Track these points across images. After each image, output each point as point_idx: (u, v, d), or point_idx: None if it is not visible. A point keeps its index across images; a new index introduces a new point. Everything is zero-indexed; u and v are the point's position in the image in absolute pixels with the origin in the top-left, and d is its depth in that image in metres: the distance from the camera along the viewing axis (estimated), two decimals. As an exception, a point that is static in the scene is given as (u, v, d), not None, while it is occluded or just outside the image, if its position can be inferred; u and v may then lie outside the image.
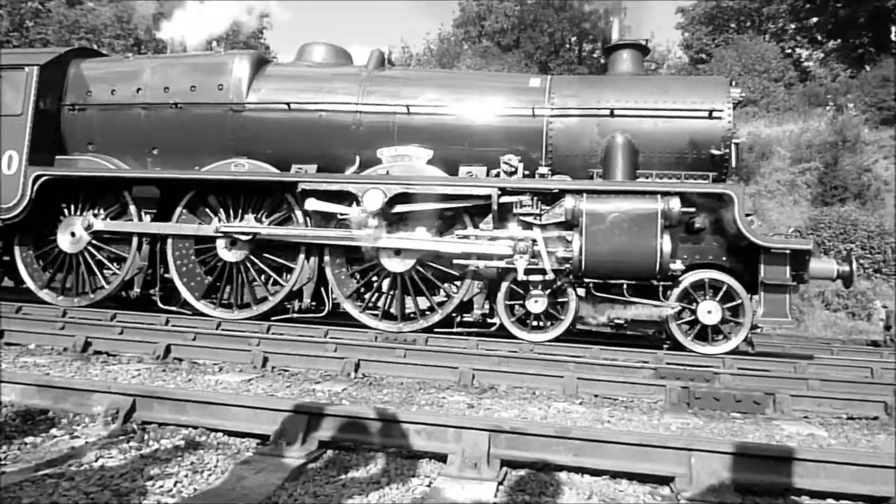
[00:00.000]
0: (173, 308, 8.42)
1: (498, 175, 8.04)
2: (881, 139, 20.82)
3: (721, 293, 7.32)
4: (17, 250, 9.07)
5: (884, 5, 28.28)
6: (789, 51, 32.52)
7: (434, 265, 7.89)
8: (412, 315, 7.95)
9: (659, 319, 7.58)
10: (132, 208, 8.76)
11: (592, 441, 2.80)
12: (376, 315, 7.96)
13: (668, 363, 6.05)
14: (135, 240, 8.68)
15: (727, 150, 8.10)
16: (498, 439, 2.81)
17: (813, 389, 4.96)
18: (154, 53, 12.49)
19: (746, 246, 7.27)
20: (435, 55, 36.29)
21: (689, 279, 7.37)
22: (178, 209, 8.60)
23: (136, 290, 8.70)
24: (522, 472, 2.80)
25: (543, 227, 7.57)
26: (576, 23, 34.23)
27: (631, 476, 2.77)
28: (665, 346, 7.80)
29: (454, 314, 7.87)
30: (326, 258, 8.09)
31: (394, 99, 8.54)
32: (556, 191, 7.63)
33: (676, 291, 7.38)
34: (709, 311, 7.31)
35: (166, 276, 8.71)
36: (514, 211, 7.72)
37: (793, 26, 33.67)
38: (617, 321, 8.06)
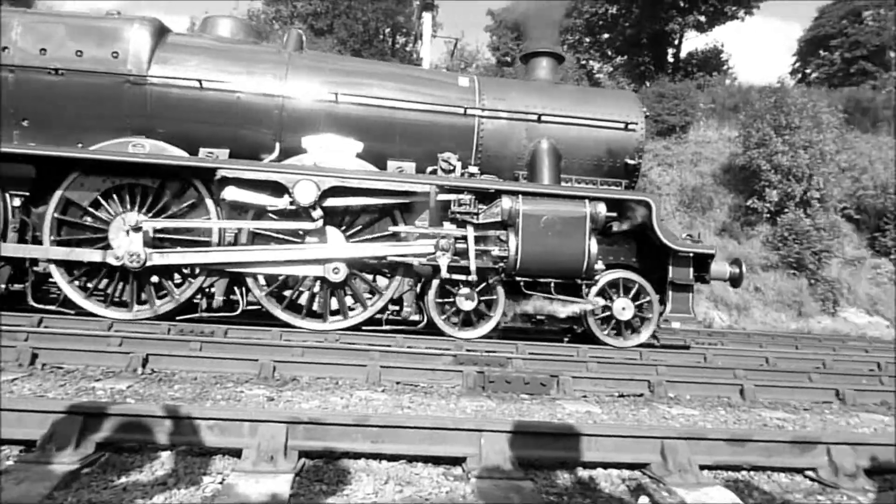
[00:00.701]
0: (51, 307, 7.16)
1: (434, 172, 7.99)
2: (656, 149, 23.45)
3: (633, 292, 7.88)
4: None
5: (662, 29, 31.86)
6: (584, 62, 35.44)
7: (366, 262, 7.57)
8: (336, 312, 7.54)
9: (575, 315, 7.84)
10: None
11: (390, 427, 2.85)
12: (299, 314, 7.43)
13: (467, 350, 6.34)
14: None
15: (640, 161, 8.79)
16: (296, 431, 2.77)
17: (591, 371, 5.49)
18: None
19: (657, 249, 7.89)
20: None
21: (605, 278, 7.85)
22: (59, 192, 7.28)
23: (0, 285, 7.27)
24: (321, 462, 2.78)
25: (478, 226, 7.60)
26: (390, 14, 34.49)
27: (427, 459, 2.87)
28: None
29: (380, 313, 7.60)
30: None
31: (321, 86, 8.08)
32: (493, 191, 7.68)
33: (594, 289, 7.83)
34: (623, 308, 7.83)
35: (35, 269, 7.30)
36: (452, 209, 7.62)
37: (587, 40, 36.73)
38: (539, 317, 8.09)
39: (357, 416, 3.05)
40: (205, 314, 7.36)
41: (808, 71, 33.64)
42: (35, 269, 7.30)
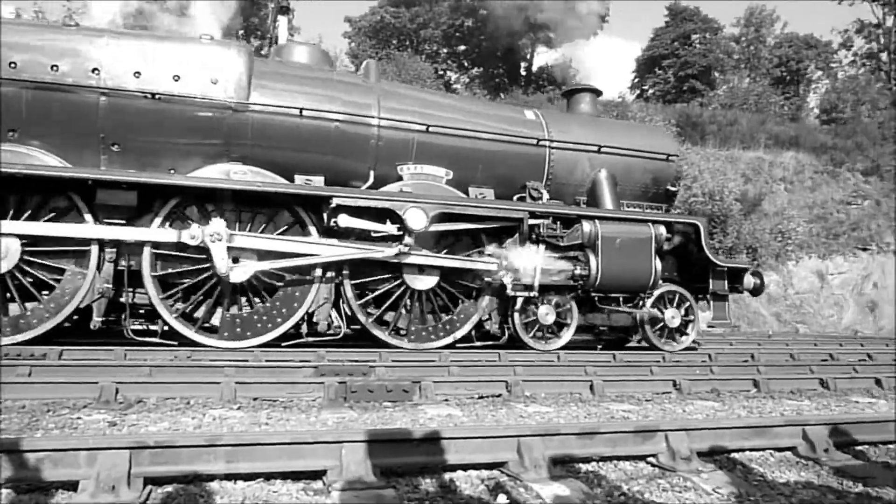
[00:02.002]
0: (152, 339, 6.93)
1: (523, 199, 8.80)
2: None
3: (675, 302, 8.95)
4: None
5: (516, 42, 33.26)
6: (441, 72, 36.18)
7: (457, 281, 8.22)
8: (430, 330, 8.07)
9: (629, 325, 8.97)
10: (88, 217, 6.86)
11: (245, 445, 2.74)
12: (400, 334, 7.89)
13: (329, 360, 6.23)
14: (95, 253, 6.81)
15: (678, 187, 10.10)
16: (141, 456, 2.58)
17: (453, 375, 5.59)
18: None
19: (694, 264, 9.18)
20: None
21: (657, 291, 8.85)
22: (158, 220, 7.08)
23: (97, 319, 6.86)
24: (170, 488, 2.61)
25: (563, 248, 8.47)
26: (246, 16, 33.40)
27: (286, 475, 2.78)
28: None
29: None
30: (346, 277, 7.66)
31: (413, 116, 8.47)
32: (574, 216, 8.54)
33: (650, 301, 8.80)
34: (672, 317, 8.87)
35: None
36: (540, 232, 8.36)
37: (445, 51, 37.54)
38: (601, 328, 9.21)
39: (209, 435, 2.90)
40: (309, 339, 7.47)
41: (645, 87, 36.49)
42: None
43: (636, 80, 37.38)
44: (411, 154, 8.52)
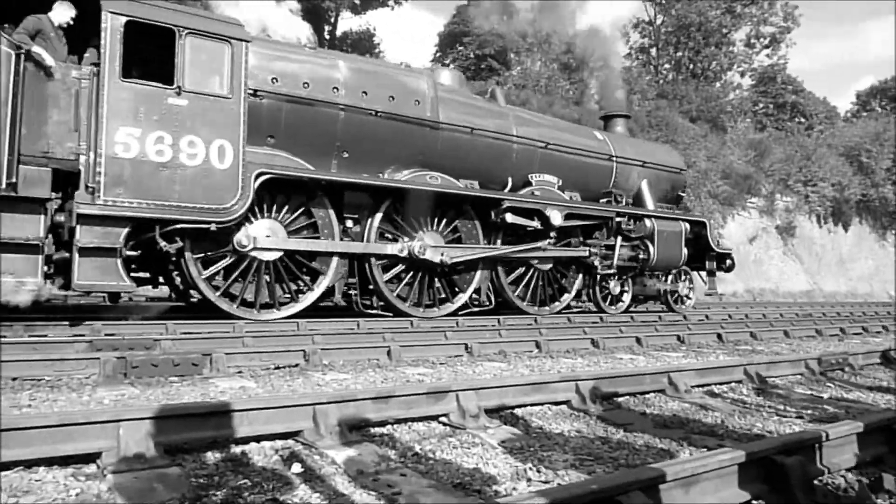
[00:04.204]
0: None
1: (609, 203, 11.95)
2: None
3: (680, 276, 12.97)
4: (189, 259, 7.41)
5: (319, 5, 32.26)
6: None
7: (562, 265, 11.31)
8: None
9: (657, 293, 12.66)
10: (331, 212, 8.52)
11: (-1, 431, 2.41)
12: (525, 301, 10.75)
13: (106, 335, 5.69)
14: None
15: (685, 194, 14.51)
16: None
17: (247, 346, 5.38)
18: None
19: (699, 249, 12.94)
20: None
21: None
22: (379, 214, 8.92)
23: (338, 296, 8.70)
24: None
25: (632, 238, 11.82)
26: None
27: (52, 461, 2.50)
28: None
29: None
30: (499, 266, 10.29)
31: (536, 136, 11.00)
32: (641, 215, 11.98)
33: (671, 277, 12.76)
34: (683, 288, 13.03)
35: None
36: (621, 227, 11.63)
37: (242, 6, 35.41)
38: (641, 295, 12.62)
39: (-49, 423, 2.50)
40: (475, 309, 10.07)
41: (446, 62, 37.46)
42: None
43: (438, 54, 38.25)
44: (536, 165, 11.00)
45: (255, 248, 7.83)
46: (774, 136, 35.00)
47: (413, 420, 3.35)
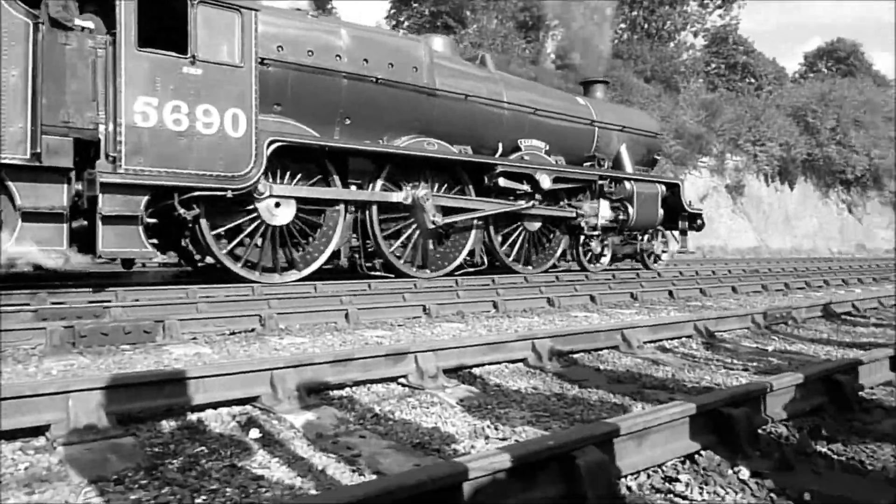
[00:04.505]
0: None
1: (592, 167, 12.56)
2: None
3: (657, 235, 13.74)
4: (204, 225, 7.64)
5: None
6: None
7: (550, 225, 11.93)
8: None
9: (632, 252, 13.58)
10: (336, 178, 8.78)
11: (-60, 405, 2.32)
12: (521, 263, 11.44)
13: (53, 303, 5.53)
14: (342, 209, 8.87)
15: (659, 157, 14.92)
16: None
17: (202, 312, 5.30)
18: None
19: (672, 209, 13.41)
20: None
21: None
22: (380, 181, 9.27)
23: (344, 259, 9.06)
24: None
25: (613, 200, 12.29)
26: None
27: (-2, 435, 2.43)
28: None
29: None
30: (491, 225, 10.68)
31: (525, 102, 11.29)
32: (622, 178, 12.49)
33: (646, 237, 13.48)
34: (658, 246, 13.83)
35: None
36: (603, 190, 12.17)
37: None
38: (620, 254, 13.40)
39: None
40: (470, 270, 10.45)
41: (402, 19, 36.73)
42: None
43: (392, 10, 37.45)
44: (525, 130, 11.32)
45: (270, 196, 8.18)
46: (725, 96, 35.55)
47: (372, 382, 3.36)
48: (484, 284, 9.06)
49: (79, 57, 6.79)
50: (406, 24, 35.66)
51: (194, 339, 4.65)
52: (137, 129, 6.90)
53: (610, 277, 11.31)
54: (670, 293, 8.52)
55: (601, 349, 4.42)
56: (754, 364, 4.18)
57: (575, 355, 4.22)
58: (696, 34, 42.21)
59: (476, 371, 3.75)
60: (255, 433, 2.62)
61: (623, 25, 40.66)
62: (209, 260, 8.49)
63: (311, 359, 3.15)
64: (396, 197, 9.40)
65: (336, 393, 3.22)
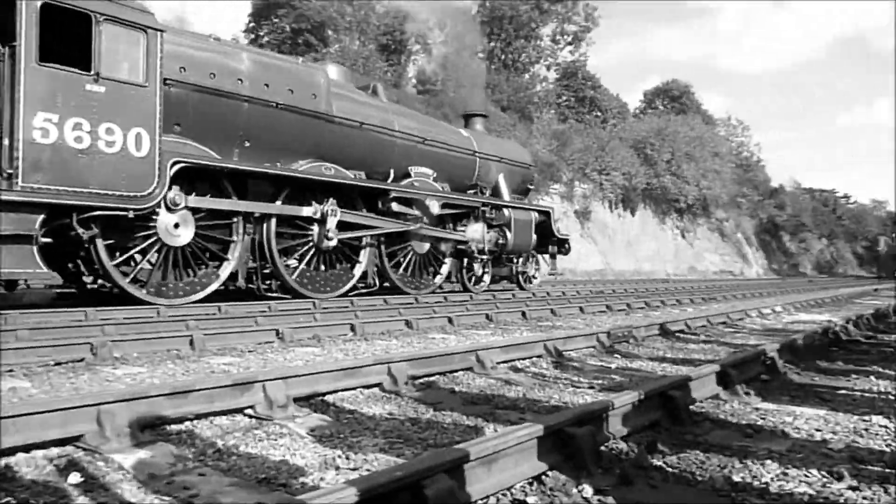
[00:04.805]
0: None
1: (475, 195, 13.38)
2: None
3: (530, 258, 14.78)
4: (100, 246, 7.42)
5: None
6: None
7: (439, 247, 12.66)
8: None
9: (510, 274, 14.53)
10: (235, 200, 8.84)
11: None
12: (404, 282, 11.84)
13: None
14: (240, 229, 8.91)
15: (532, 187, 16.22)
16: None
17: (20, 340, 4.75)
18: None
19: (544, 235, 14.72)
20: None
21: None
22: (278, 203, 9.43)
23: (241, 281, 9.00)
24: None
25: (493, 226, 13.26)
26: None
27: None
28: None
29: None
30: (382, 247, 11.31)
31: (414, 131, 12.07)
32: (502, 205, 13.54)
33: (521, 260, 14.42)
34: (531, 269, 14.89)
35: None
36: (487, 216, 13.12)
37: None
38: (498, 275, 14.28)
39: None
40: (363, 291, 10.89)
41: (261, 33, 35.81)
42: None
43: (251, 24, 36.44)
44: (414, 158, 11.93)
45: (185, 208, 8.29)
46: (575, 127, 37.87)
47: (216, 414, 3.14)
48: (343, 307, 8.90)
49: None
50: (266, 38, 34.81)
51: (10, 371, 4.14)
52: (36, 145, 6.66)
53: (491, 297, 12.06)
54: (523, 314, 8.82)
55: (456, 371, 4.45)
56: (599, 382, 4.39)
57: (431, 378, 4.22)
58: (548, 68, 44.80)
59: (330, 398, 3.63)
60: (74, 478, 2.34)
61: (481, 55, 42.24)
62: (100, 281, 8.45)
63: (145, 391, 2.90)
64: (307, 211, 9.78)
65: (175, 427, 2.98)
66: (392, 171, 11.50)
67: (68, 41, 7.19)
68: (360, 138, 10.75)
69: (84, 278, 8.68)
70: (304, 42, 33.63)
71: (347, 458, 2.61)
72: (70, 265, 8.75)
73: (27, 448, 2.54)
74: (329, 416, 3.31)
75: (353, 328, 6.61)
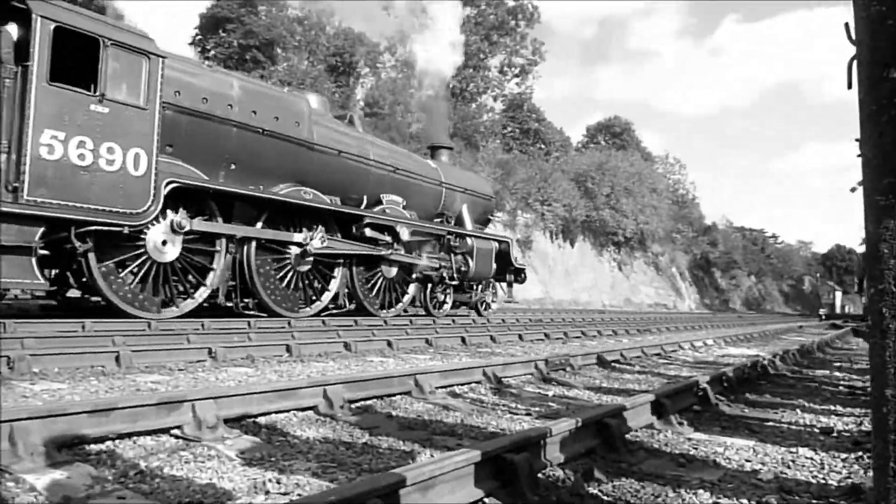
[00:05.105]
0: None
1: (441, 223, 14.31)
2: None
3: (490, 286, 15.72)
4: (92, 260, 7.71)
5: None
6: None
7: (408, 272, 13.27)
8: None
9: (469, 300, 15.34)
10: (220, 220, 9.22)
11: None
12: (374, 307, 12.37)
13: None
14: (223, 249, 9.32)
15: (493, 217, 17.38)
16: None
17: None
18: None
19: (502, 264, 15.38)
20: None
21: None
22: (259, 224, 9.86)
23: (222, 297, 9.42)
24: None
25: (457, 254, 14.01)
26: None
27: None
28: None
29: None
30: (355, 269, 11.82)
31: (387, 160, 12.80)
32: (465, 234, 14.37)
33: (480, 287, 15.33)
34: (489, 296, 15.76)
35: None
36: (451, 244, 13.93)
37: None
38: (458, 301, 15.07)
39: None
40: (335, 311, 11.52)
41: (208, 47, 35.24)
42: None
43: (198, 37, 35.84)
44: (387, 187, 12.53)
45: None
46: (519, 158, 38.57)
47: (140, 434, 2.99)
48: (279, 327, 8.71)
49: None
50: (212, 52, 34.26)
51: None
52: (43, 161, 6.96)
53: (450, 322, 12.76)
54: (463, 339, 8.81)
55: (394, 395, 4.38)
56: (536, 409, 4.39)
57: (368, 402, 4.14)
58: (495, 98, 45.56)
59: (262, 420, 3.51)
60: (-21, 499, 2.18)
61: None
62: (75, 293, 8.92)
63: (63, 409, 2.73)
64: (298, 237, 10.49)
65: (94, 447, 2.81)
66: (365, 198, 12.09)
67: (75, 62, 7.57)
68: (338, 165, 11.31)
69: (71, 290, 9.00)
70: (251, 59, 33.28)
71: (278, 482, 2.52)
72: (53, 276, 9.06)
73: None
74: (261, 438, 3.20)
75: (288, 349, 6.45)
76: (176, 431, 3.09)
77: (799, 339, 13.92)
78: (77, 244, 7.42)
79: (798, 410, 4.60)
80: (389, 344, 7.52)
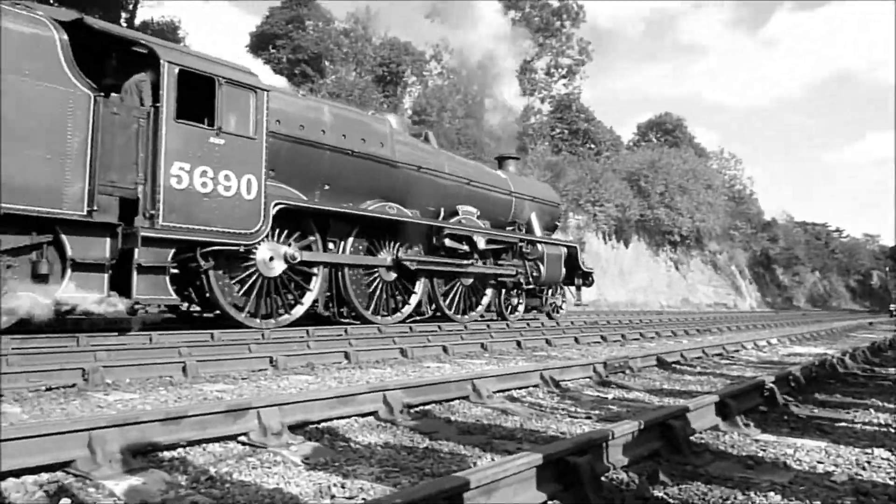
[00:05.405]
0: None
1: (513, 231, 14.68)
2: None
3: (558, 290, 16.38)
4: (212, 276, 8.64)
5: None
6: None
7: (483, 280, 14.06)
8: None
9: (541, 304, 15.78)
10: (318, 237, 10.18)
11: None
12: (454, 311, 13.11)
13: None
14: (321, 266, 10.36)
15: (560, 223, 17.50)
16: None
17: (11, 364, 4.69)
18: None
19: (570, 268, 15.98)
20: None
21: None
22: (350, 238, 10.79)
23: (321, 307, 10.36)
24: None
25: (528, 260, 14.57)
26: None
27: None
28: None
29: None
30: (437, 280, 12.58)
31: (461, 174, 13.40)
32: (535, 241, 14.81)
33: (551, 291, 15.92)
34: (558, 299, 16.28)
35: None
36: (523, 251, 14.53)
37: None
38: (530, 306, 15.61)
39: None
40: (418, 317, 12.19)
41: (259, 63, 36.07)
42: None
43: (249, 53, 36.80)
44: (461, 198, 13.19)
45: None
46: (569, 159, 38.22)
47: (209, 441, 3.09)
48: (337, 335, 8.85)
49: (124, 125, 7.66)
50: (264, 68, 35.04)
51: (1, 395, 4.08)
52: (173, 190, 7.86)
53: (525, 326, 13.19)
54: (518, 343, 8.77)
55: (452, 400, 4.40)
56: (596, 412, 4.34)
57: (426, 407, 4.17)
58: (542, 100, 45.28)
59: (324, 426, 3.57)
60: (65, 502, 2.29)
61: (476, 87, 42.72)
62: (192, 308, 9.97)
63: (137, 417, 2.84)
64: (382, 256, 11.45)
65: (167, 454, 2.92)
66: (442, 210, 12.80)
67: (193, 100, 8.32)
68: (418, 180, 12.05)
69: (193, 304, 9.90)
70: (300, 73, 33.99)
71: (343, 486, 2.56)
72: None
73: (17, 473, 2.48)
74: (324, 443, 3.26)
75: (347, 356, 6.55)
76: (243, 438, 3.17)
77: (869, 336, 13.36)
78: (202, 262, 8.28)
79: (871, 410, 4.42)
80: (445, 349, 7.55)
